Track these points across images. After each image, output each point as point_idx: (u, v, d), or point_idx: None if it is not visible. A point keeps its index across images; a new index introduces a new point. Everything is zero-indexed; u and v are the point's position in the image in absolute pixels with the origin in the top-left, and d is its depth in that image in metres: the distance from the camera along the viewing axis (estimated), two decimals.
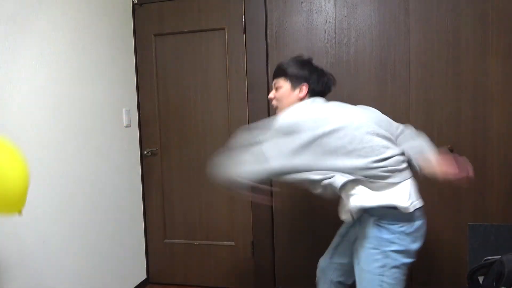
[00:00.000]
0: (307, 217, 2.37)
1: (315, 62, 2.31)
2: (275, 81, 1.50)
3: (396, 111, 2.21)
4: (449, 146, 2.16)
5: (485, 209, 2.15)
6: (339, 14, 2.26)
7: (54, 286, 1.81)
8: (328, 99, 2.41)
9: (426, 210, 2.21)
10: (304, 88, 1.45)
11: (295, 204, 2.39)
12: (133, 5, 2.53)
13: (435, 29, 2.15)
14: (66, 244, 1.89)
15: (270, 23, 2.36)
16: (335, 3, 2.27)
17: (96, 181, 2.13)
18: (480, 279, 1.64)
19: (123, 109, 2.40)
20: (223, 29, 2.40)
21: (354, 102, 2.26)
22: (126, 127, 2.43)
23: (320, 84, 1.48)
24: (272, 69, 2.37)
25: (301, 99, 1.45)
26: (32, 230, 1.69)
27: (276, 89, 1.50)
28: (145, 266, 2.63)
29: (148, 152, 2.55)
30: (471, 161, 2.15)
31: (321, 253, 2.37)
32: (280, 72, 1.49)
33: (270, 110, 2.38)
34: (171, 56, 2.50)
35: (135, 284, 2.51)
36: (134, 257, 2.51)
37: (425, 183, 2.21)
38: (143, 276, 2.61)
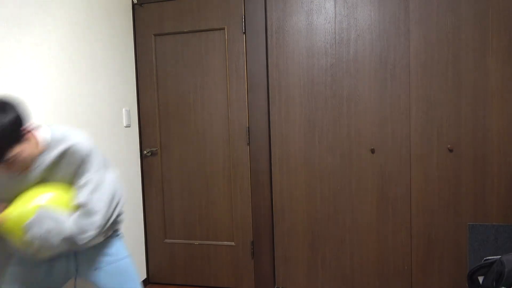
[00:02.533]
0: (308, 217, 2.37)
1: (315, 62, 2.33)
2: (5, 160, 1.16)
3: (396, 111, 2.21)
4: (449, 146, 2.16)
5: (485, 209, 2.15)
6: (339, 14, 2.26)
7: None
8: (328, 100, 2.41)
9: (427, 210, 2.22)
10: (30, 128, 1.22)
11: (295, 204, 2.39)
12: (133, 5, 2.53)
13: (435, 29, 2.15)
14: None
15: (270, 23, 2.36)
16: (335, 3, 2.27)
17: None
18: (480, 279, 1.64)
19: (123, 109, 2.40)
20: (223, 29, 2.40)
21: (354, 102, 2.27)
22: (126, 127, 2.43)
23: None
24: (272, 69, 2.38)
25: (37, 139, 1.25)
26: None
27: (11, 163, 1.18)
28: (145, 266, 2.63)
29: (148, 152, 2.55)
30: (471, 161, 2.16)
31: (321, 253, 2.38)
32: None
33: (270, 110, 2.38)
34: (171, 56, 2.51)
35: None
36: (134, 257, 2.51)
37: (425, 183, 2.22)
38: (143, 276, 2.61)
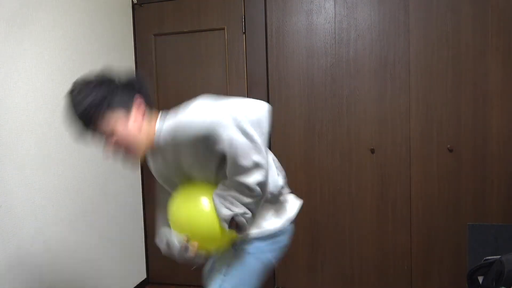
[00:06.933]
0: (307, 217, 2.37)
1: (315, 62, 2.32)
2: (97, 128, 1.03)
3: (396, 111, 2.21)
4: (449, 146, 2.16)
5: (485, 209, 2.15)
6: (339, 14, 2.26)
7: (54, 286, 1.81)
8: (328, 100, 2.41)
9: (427, 210, 2.22)
10: (139, 100, 1.09)
11: None
12: (133, 5, 2.53)
13: (435, 29, 2.15)
14: (66, 244, 1.89)
15: (270, 23, 2.36)
16: (334, 3, 2.26)
17: (95, 181, 2.13)
18: (480, 279, 1.64)
19: None
20: (223, 29, 2.40)
21: (354, 102, 2.27)
22: None
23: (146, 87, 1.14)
24: (272, 69, 2.37)
25: (142, 115, 1.11)
26: (32, 230, 1.69)
27: (109, 134, 1.04)
28: (145, 266, 2.63)
29: None
30: (471, 161, 2.16)
31: (321, 253, 2.38)
32: (97, 112, 1.01)
33: None
34: (171, 56, 2.50)
35: (135, 284, 2.51)
36: (134, 257, 2.51)
37: (425, 183, 2.22)
38: (143, 276, 2.61)
